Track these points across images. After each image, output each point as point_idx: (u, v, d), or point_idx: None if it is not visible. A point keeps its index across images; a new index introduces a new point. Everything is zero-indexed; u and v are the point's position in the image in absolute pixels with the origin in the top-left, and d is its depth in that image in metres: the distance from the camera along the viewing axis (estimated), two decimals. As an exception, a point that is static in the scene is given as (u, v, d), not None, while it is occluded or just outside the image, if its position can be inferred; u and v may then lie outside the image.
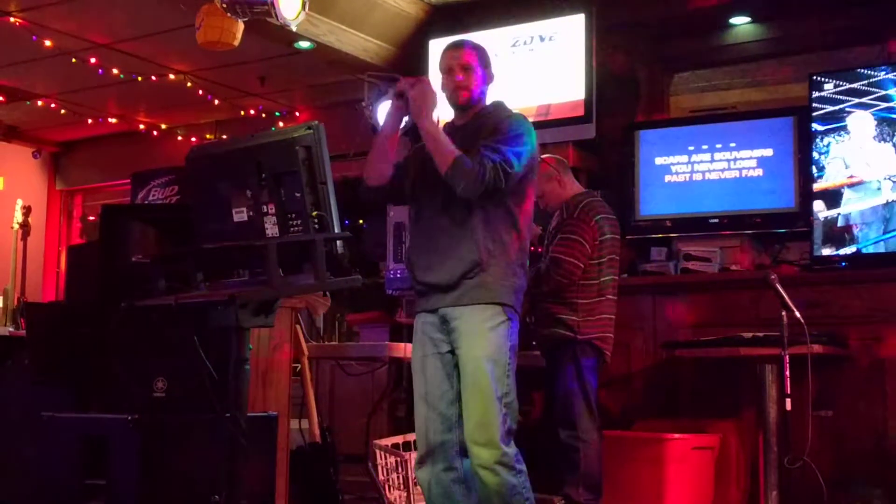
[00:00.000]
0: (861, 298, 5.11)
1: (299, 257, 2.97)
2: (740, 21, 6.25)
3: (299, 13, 5.41)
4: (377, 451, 4.84)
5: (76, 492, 3.48)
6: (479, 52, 3.87)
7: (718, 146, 5.90)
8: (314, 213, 2.96)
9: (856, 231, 5.30)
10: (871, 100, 5.32)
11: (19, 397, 4.63)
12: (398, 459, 4.80)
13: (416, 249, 3.79)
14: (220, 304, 2.93)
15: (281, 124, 8.64)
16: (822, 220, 5.36)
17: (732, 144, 5.86)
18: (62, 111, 8.77)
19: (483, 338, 3.61)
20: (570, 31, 6.33)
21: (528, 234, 3.81)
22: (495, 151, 3.60)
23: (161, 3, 6.33)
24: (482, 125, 3.77)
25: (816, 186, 5.40)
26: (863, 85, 5.34)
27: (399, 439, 4.88)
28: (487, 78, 3.86)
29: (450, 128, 3.87)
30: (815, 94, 5.43)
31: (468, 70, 3.79)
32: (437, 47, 5.57)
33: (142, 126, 9.25)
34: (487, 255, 3.63)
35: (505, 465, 3.58)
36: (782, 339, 4.45)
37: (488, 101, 3.89)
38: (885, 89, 5.28)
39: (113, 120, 9.10)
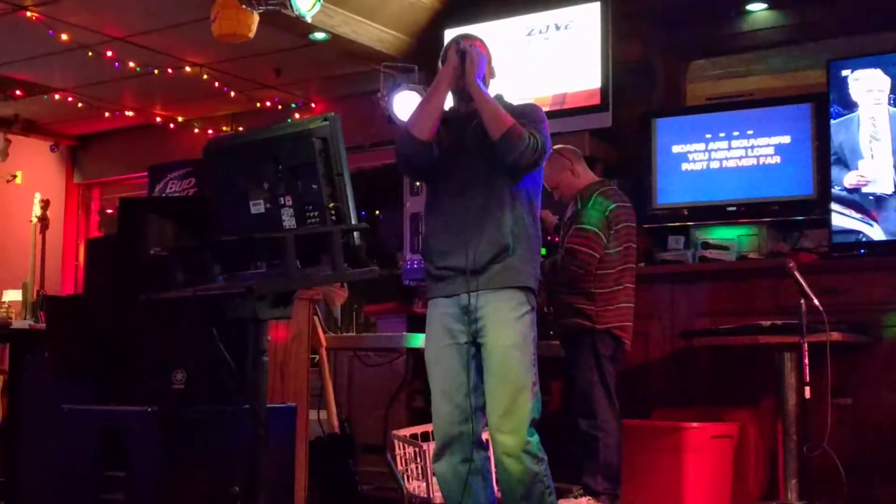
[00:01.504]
0: (880, 286, 5.09)
1: (316, 249, 2.97)
2: (757, 7, 6.22)
3: (314, 4, 5.42)
4: (395, 442, 4.84)
5: (96, 484, 3.49)
6: (486, 47, 3.93)
7: (735, 134, 5.88)
8: (331, 205, 2.96)
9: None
10: (891, 86, 5.29)
11: (39, 390, 4.65)
12: (416, 450, 4.80)
13: (436, 233, 3.77)
14: (238, 297, 2.93)
15: (297, 116, 8.65)
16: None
17: (749, 132, 5.84)
18: (79, 105, 8.80)
19: (510, 327, 3.62)
20: (586, 19, 6.31)
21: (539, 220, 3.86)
22: (537, 130, 3.68)
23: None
24: None
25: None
26: (883, 72, 5.31)
27: (417, 430, 4.88)
28: (489, 75, 3.91)
29: (453, 113, 3.88)
30: (833, 81, 5.41)
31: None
32: (452, 37, 5.55)
33: (158, 119, 9.27)
34: (514, 240, 3.64)
35: (529, 453, 3.60)
36: (801, 327, 4.44)
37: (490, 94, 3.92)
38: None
39: (129, 113, 9.13)
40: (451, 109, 3.91)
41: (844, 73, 5.41)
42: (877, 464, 4.94)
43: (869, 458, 4.95)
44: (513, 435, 3.59)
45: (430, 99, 3.79)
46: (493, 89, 3.94)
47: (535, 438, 3.64)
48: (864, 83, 5.36)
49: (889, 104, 5.29)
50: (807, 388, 4.42)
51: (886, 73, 5.31)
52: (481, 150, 3.70)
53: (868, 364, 5.04)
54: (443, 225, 3.75)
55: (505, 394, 3.61)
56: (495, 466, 3.74)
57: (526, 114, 3.77)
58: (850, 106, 5.40)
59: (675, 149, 6.03)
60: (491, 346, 3.64)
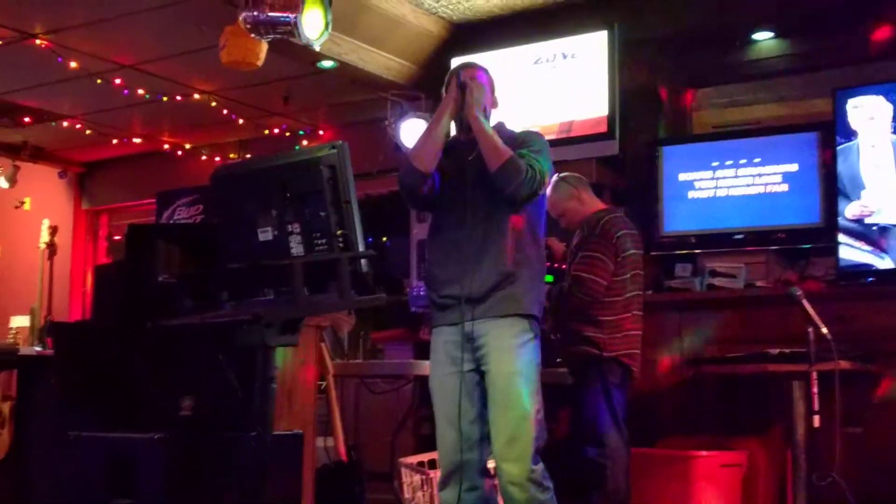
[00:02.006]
0: (888, 314, 5.07)
1: (324, 276, 2.98)
2: (763, 36, 6.23)
3: (322, 33, 5.44)
4: (402, 470, 4.83)
5: (103, 511, 3.49)
6: (488, 76, 3.96)
7: (742, 162, 5.87)
8: (339, 232, 2.97)
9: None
10: (893, 114, 5.30)
11: (47, 416, 4.66)
12: (423, 477, 4.79)
13: (438, 262, 3.79)
14: (245, 324, 2.94)
15: (304, 143, 8.68)
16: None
17: (757, 160, 5.83)
18: (87, 132, 8.84)
19: (513, 354, 3.61)
20: (593, 47, 6.33)
21: (543, 247, 3.84)
22: (536, 160, 3.68)
23: (185, 23, 6.38)
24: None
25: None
26: (889, 100, 5.31)
27: (424, 457, 4.87)
28: (493, 101, 3.93)
29: (455, 141, 3.90)
30: (839, 109, 5.42)
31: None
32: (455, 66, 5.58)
33: (166, 146, 9.30)
34: (516, 267, 3.65)
35: (534, 481, 3.58)
36: (809, 356, 4.43)
37: (492, 123, 3.92)
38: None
39: (138, 140, 9.16)
40: (452, 138, 3.93)
41: (852, 101, 5.41)
42: (887, 493, 4.91)
43: (879, 487, 4.91)
44: (517, 463, 3.58)
45: (430, 131, 3.81)
46: (497, 117, 3.95)
47: (540, 466, 3.63)
48: (866, 111, 5.36)
49: (892, 132, 5.28)
50: (816, 417, 4.40)
51: (889, 100, 5.31)
52: (482, 178, 3.72)
53: (877, 392, 5.01)
54: (445, 254, 3.76)
55: (508, 422, 3.61)
56: (501, 495, 3.72)
57: (526, 143, 3.78)
58: (849, 134, 5.40)
59: (682, 176, 6.03)
60: (494, 373, 3.64)
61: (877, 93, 5.35)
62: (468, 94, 3.75)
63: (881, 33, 5.79)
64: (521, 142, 3.78)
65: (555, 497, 3.67)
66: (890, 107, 5.29)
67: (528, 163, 3.65)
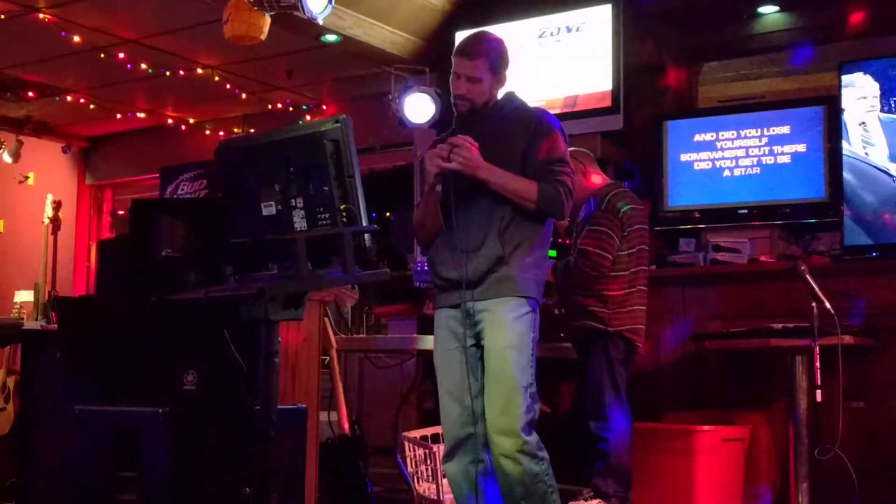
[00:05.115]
0: (892, 288, 5.07)
1: (328, 250, 2.98)
2: (768, 10, 6.20)
3: (326, 6, 5.42)
4: (406, 444, 4.85)
5: (109, 484, 3.51)
6: (493, 60, 3.79)
7: (747, 135, 5.86)
8: (342, 207, 2.97)
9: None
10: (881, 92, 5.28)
11: (51, 391, 4.67)
12: (426, 451, 4.81)
13: (436, 246, 3.80)
14: (249, 298, 2.94)
15: (308, 117, 8.66)
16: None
17: (761, 134, 5.82)
18: (91, 106, 8.83)
19: (508, 328, 3.63)
20: (598, 21, 6.30)
21: (549, 224, 3.82)
22: (562, 164, 3.73)
23: (188, -3, 6.37)
24: (506, 119, 3.79)
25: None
26: (872, 78, 5.29)
27: (427, 431, 4.89)
28: (497, 83, 3.83)
29: (458, 122, 3.87)
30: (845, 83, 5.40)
31: (474, 83, 3.76)
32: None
33: (170, 120, 9.30)
34: (511, 249, 3.65)
35: (526, 453, 3.60)
36: (813, 330, 4.43)
37: (501, 93, 3.87)
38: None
39: (141, 115, 9.15)
40: (455, 118, 3.91)
41: (858, 75, 5.39)
42: (889, 467, 4.92)
43: (881, 461, 4.93)
44: (508, 435, 3.60)
45: (419, 217, 3.85)
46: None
47: (534, 438, 3.64)
48: (856, 90, 5.35)
49: (881, 111, 5.27)
50: (818, 392, 4.40)
51: (875, 79, 5.29)
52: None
53: (880, 367, 5.02)
54: (444, 237, 3.76)
55: (500, 394, 3.63)
56: (494, 468, 3.73)
57: (542, 148, 3.73)
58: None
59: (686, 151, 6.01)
60: (488, 347, 3.67)
61: (873, 69, 5.34)
62: (462, 169, 3.63)
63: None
64: (535, 136, 3.73)
65: (550, 469, 3.68)
66: (877, 85, 5.28)
67: (555, 180, 3.67)
